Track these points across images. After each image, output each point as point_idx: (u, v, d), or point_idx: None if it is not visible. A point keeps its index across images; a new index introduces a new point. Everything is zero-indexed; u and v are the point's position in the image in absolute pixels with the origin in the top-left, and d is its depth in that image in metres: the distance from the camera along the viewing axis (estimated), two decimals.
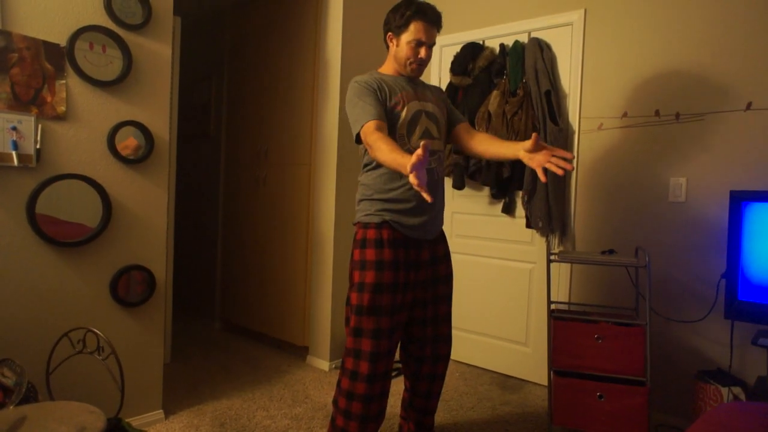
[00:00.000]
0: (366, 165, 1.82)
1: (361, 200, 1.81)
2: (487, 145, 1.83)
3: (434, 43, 1.80)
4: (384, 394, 1.75)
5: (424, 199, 1.71)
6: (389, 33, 1.81)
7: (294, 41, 3.08)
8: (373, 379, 1.69)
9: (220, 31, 3.72)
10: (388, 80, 1.80)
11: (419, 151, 1.29)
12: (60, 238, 1.83)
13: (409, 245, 1.78)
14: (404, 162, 1.39)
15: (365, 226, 1.77)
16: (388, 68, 1.85)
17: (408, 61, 1.78)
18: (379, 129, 1.61)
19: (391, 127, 1.72)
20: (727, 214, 2.18)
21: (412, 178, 1.31)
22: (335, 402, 1.78)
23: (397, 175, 1.71)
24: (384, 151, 1.50)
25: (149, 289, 2.08)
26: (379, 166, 1.75)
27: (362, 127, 1.64)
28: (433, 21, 1.75)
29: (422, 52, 1.75)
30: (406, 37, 1.75)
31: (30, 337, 1.79)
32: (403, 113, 1.74)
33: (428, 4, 1.76)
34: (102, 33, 1.90)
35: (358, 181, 1.86)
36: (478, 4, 3.04)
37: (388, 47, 1.84)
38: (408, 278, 1.78)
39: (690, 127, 2.32)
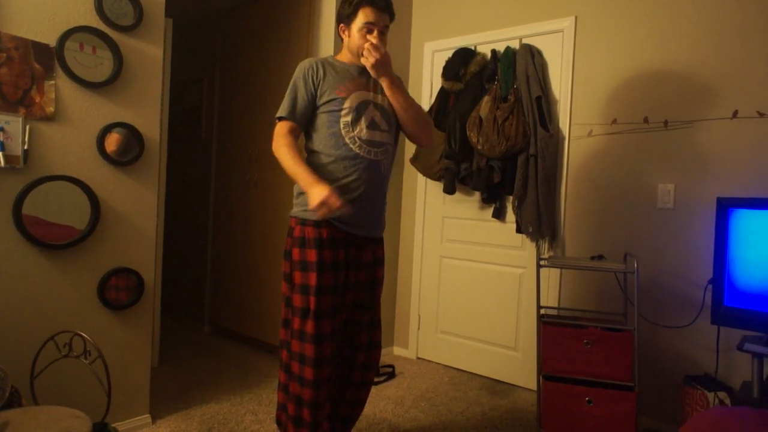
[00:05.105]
0: (310, 152, 1.77)
1: (301, 193, 1.73)
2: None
3: (386, 28, 1.74)
4: (329, 399, 1.73)
5: (368, 190, 1.72)
6: (341, 24, 1.78)
7: (286, 44, 3.08)
8: (319, 385, 1.67)
9: (213, 34, 3.71)
10: (338, 67, 1.77)
11: (323, 210, 1.54)
12: (47, 239, 1.81)
13: (351, 244, 1.75)
14: (309, 184, 1.58)
15: (303, 222, 1.71)
16: (342, 56, 1.82)
17: (360, 51, 1.72)
18: (291, 132, 1.71)
19: (332, 113, 1.71)
20: (714, 220, 2.21)
21: (314, 208, 1.56)
22: (284, 408, 1.75)
23: (342, 165, 1.69)
24: (288, 162, 1.66)
25: (137, 292, 2.07)
26: (323, 155, 1.72)
27: (279, 120, 1.74)
28: (381, 6, 1.71)
29: (373, 38, 1.69)
30: (356, 24, 1.71)
31: (14, 340, 1.77)
32: (347, 102, 1.71)
33: None
34: (92, 34, 1.89)
35: None
36: (470, 10, 3.06)
37: (342, 40, 1.81)
38: (348, 279, 1.75)
39: (678, 135, 2.34)
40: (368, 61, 1.68)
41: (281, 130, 1.72)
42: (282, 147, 1.69)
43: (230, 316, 3.44)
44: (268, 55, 3.20)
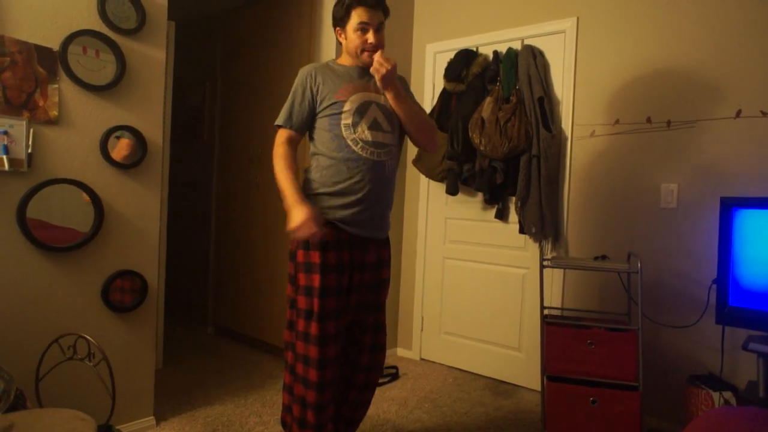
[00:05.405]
0: (314, 155, 1.78)
1: (307, 196, 1.74)
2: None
3: (382, 25, 1.74)
4: (333, 401, 1.74)
5: (372, 192, 1.72)
6: (337, 28, 1.78)
7: (288, 45, 3.09)
8: (323, 387, 1.67)
9: (214, 35, 3.72)
10: (339, 70, 1.78)
11: (299, 233, 1.59)
12: (51, 242, 1.82)
13: (355, 246, 1.75)
14: (296, 203, 1.62)
15: None
16: (343, 59, 1.83)
17: (358, 51, 1.73)
18: (289, 141, 1.75)
19: (333, 116, 1.72)
20: (717, 220, 2.20)
21: (290, 229, 1.59)
22: (289, 409, 1.75)
23: (345, 167, 1.70)
24: (279, 176, 1.69)
25: (141, 295, 2.07)
26: (326, 157, 1.73)
27: (279, 128, 1.78)
28: (373, 4, 1.70)
29: (370, 37, 1.70)
30: (351, 26, 1.71)
31: (19, 343, 1.77)
32: (347, 104, 1.71)
33: None
34: (95, 37, 1.90)
35: (302, 176, 1.82)
36: (471, 11, 3.06)
37: (341, 43, 1.82)
38: (352, 281, 1.75)
39: (681, 134, 2.34)
40: (378, 72, 1.69)
41: (279, 139, 1.76)
42: (277, 158, 1.72)
43: (233, 318, 3.45)
44: (270, 56, 3.21)
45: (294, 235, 1.62)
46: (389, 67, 1.67)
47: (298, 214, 1.59)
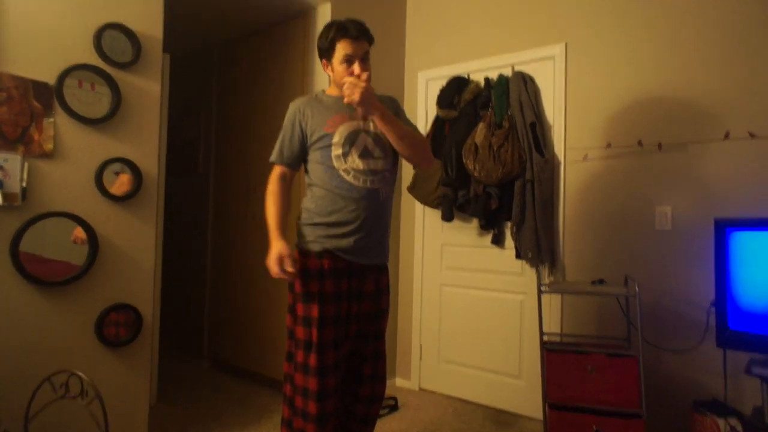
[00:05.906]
0: (309, 186, 1.79)
1: (303, 225, 1.77)
2: None
3: (367, 55, 1.72)
4: None
5: (367, 220, 1.73)
6: (323, 60, 1.78)
7: (282, 76, 3.12)
8: (323, 420, 1.64)
9: (209, 67, 3.76)
10: (327, 101, 1.79)
11: (279, 271, 1.61)
12: (44, 276, 1.79)
13: (353, 274, 1.74)
14: (273, 240, 1.67)
15: (305, 254, 1.72)
16: (331, 90, 1.85)
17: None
18: (281, 177, 1.80)
19: (324, 149, 1.73)
20: (713, 241, 2.21)
21: (268, 263, 1.64)
22: None
23: (339, 197, 1.71)
24: (266, 211, 1.75)
25: (136, 329, 2.03)
26: (320, 188, 1.74)
27: (273, 165, 1.83)
28: (357, 36, 1.68)
29: (356, 69, 1.68)
30: (337, 58, 1.71)
31: (9, 381, 1.72)
32: (336, 136, 1.72)
33: (351, 20, 1.72)
34: (91, 71, 1.91)
35: (301, 206, 1.82)
36: (462, 38, 3.12)
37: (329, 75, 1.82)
38: (350, 310, 1.73)
39: (672, 157, 2.36)
40: (353, 99, 1.61)
41: (272, 175, 1.81)
42: (267, 194, 1.78)
43: (229, 350, 3.38)
44: (264, 86, 3.24)
45: (272, 273, 1.64)
46: (361, 90, 1.60)
47: (272, 251, 1.64)
